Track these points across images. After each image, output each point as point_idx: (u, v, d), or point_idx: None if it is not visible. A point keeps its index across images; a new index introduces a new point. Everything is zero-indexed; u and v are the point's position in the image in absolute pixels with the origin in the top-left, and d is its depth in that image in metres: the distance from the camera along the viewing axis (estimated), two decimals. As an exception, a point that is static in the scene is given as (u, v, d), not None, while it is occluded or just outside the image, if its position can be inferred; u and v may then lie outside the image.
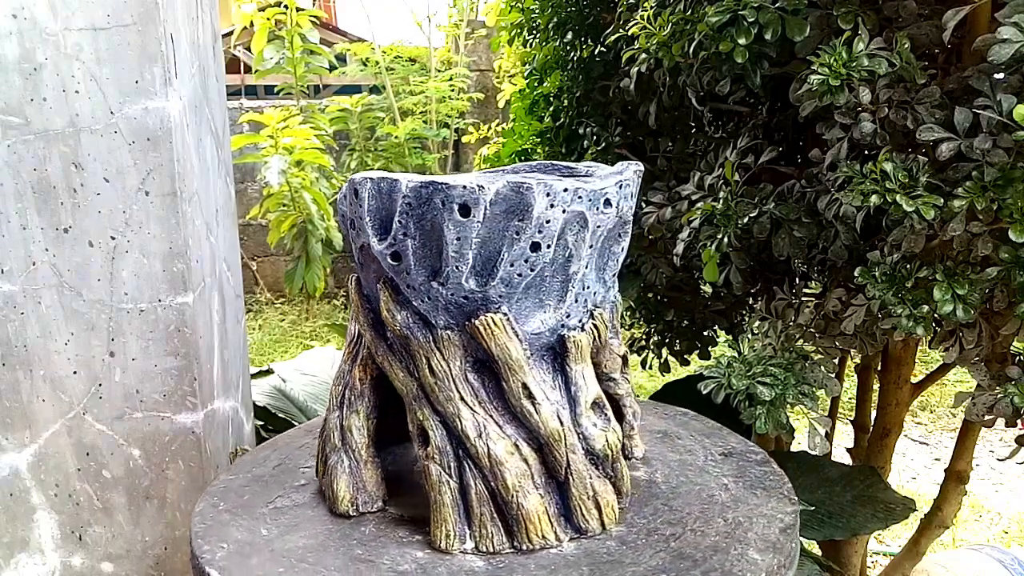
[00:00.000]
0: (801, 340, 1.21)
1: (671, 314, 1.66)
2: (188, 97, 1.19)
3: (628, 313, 1.73)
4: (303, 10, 4.60)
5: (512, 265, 0.74)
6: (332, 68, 4.91)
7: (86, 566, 1.23)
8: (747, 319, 1.48)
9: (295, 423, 1.57)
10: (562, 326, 0.78)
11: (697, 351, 1.67)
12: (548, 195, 0.72)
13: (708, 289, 1.51)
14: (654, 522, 0.79)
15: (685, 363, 1.72)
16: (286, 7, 4.46)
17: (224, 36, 2.83)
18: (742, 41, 1.06)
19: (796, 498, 0.83)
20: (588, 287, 0.80)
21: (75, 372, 1.17)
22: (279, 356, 3.97)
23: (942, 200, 0.93)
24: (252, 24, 4.59)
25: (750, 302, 1.50)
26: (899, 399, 1.41)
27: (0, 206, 1.10)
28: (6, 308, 1.13)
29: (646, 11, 1.22)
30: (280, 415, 1.60)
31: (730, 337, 1.63)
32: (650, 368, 1.72)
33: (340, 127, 4.92)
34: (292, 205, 4.25)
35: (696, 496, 0.84)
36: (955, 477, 1.41)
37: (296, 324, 4.64)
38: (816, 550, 1.56)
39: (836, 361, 1.39)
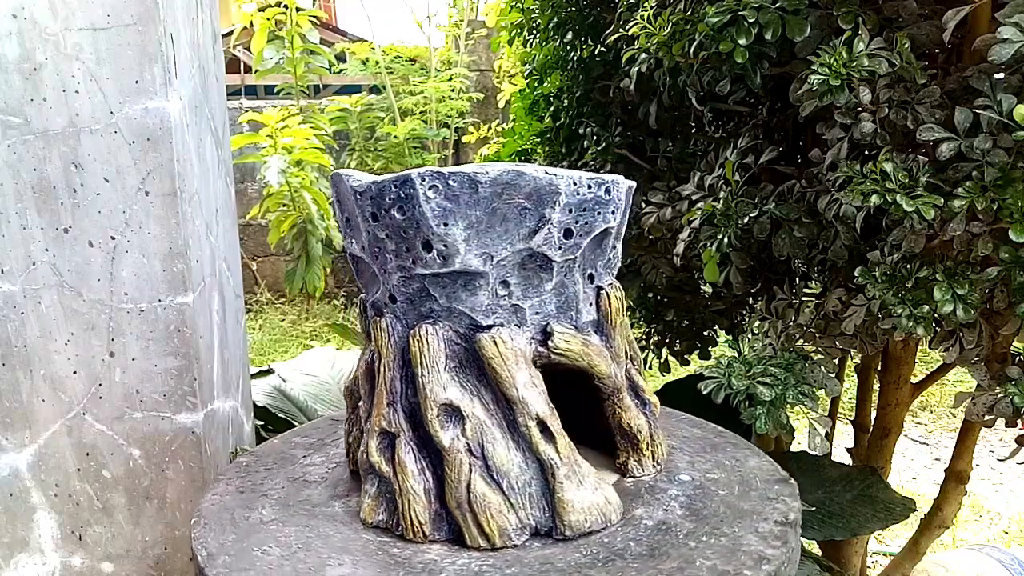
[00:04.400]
0: (801, 340, 1.21)
1: (671, 314, 1.66)
2: (188, 97, 1.19)
3: (628, 313, 1.73)
4: (303, 10, 4.61)
5: None
6: (332, 68, 4.91)
7: (86, 566, 1.23)
8: (747, 319, 1.48)
9: (295, 423, 1.57)
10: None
11: (697, 351, 1.67)
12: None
13: (708, 289, 1.51)
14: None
15: (685, 363, 1.72)
16: (286, 7, 4.46)
17: (224, 36, 2.82)
18: (742, 41, 1.06)
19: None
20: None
21: (75, 372, 1.17)
22: (279, 356, 3.97)
23: (942, 200, 0.93)
24: (252, 24, 4.60)
25: (750, 302, 1.50)
26: (899, 399, 1.41)
27: (0, 206, 1.10)
28: (6, 308, 1.13)
29: (646, 11, 1.22)
30: (280, 415, 1.60)
31: (730, 337, 1.63)
32: (650, 368, 1.72)
33: (340, 127, 4.92)
34: (292, 205, 4.24)
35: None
36: (955, 477, 1.41)
37: (296, 324, 4.64)
38: (816, 550, 1.56)
39: (836, 361, 1.39)
